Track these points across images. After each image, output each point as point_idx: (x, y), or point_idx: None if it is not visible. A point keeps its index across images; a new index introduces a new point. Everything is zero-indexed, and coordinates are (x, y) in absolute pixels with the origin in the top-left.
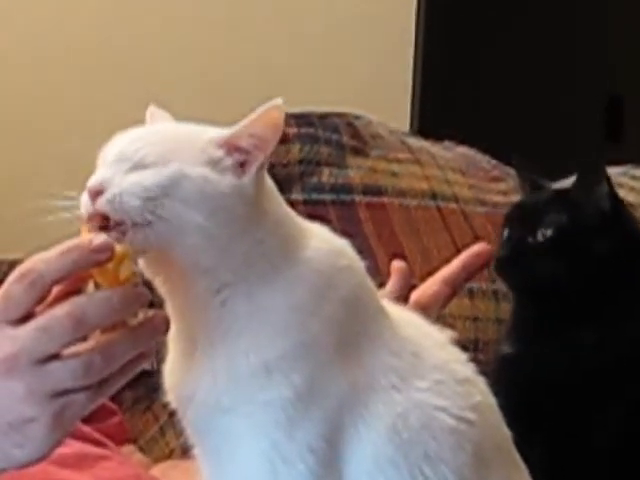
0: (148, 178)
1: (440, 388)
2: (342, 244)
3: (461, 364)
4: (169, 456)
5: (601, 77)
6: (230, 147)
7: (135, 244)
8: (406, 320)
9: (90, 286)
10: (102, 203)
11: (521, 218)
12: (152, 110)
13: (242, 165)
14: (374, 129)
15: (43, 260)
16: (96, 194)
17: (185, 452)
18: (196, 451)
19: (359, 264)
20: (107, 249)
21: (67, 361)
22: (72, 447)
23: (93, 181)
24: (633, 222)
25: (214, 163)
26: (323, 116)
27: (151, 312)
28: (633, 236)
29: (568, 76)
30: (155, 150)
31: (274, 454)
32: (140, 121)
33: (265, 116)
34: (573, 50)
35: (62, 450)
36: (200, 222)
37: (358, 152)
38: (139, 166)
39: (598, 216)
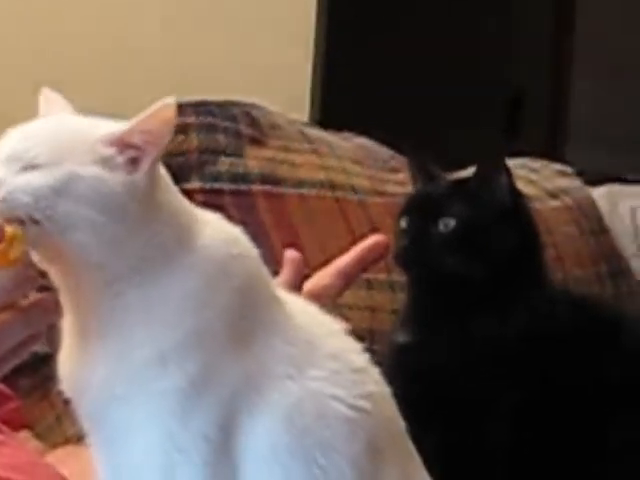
0: (38, 179)
1: (335, 377)
2: (236, 232)
3: (356, 353)
4: (65, 444)
5: (503, 70)
6: (122, 145)
7: (29, 239)
8: (301, 309)
9: None
10: None
11: (421, 208)
12: (46, 93)
13: (134, 161)
14: (273, 119)
15: None
16: None
17: (81, 440)
18: (90, 441)
19: (253, 252)
20: None
21: None
22: None
23: None
24: (531, 215)
25: (105, 161)
26: (221, 105)
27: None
28: (531, 229)
29: (470, 68)
30: (46, 150)
31: (169, 444)
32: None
33: (157, 113)
34: (476, 42)
35: None
36: (92, 221)
37: (256, 142)
38: (30, 167)
39: (499, 208)
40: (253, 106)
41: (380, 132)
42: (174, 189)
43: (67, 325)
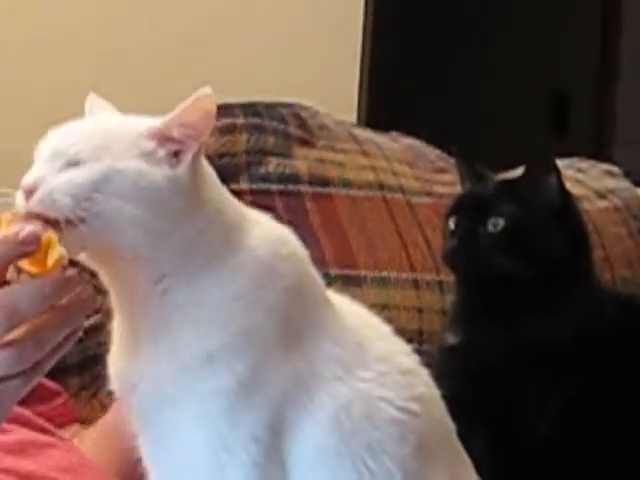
0: (80, 175)
1: (384, 379)
2: (285, 232)
3: (405, 355)
4: None
5: (550, 70)
6: (162, 138)
7: (70, 241)
8: (350, 311)
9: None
10: (34, 202)
11: (469, 208)
12: (92, 99)
13: (176, 155)
14: (321, 120)
15: None
16: (30, 193)
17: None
18: (140, 440)
19: (303, 253)
20: (34, 240)
21: (2, 351)
22: (16, 434)
23: (26, 179)
24: (581, 215)
25: (147, 155)
26: (270, 106)
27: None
28: (580, 230)
29: (518, 69)
30: (88, 146)
31: (218, 444)
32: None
33: (195, 104)
34: (523, 42)
35: (7, 437)
36: (135, 216)
37: (305, 143)
38: (72, 163)
39: (548, 208)
40: (301, 107)
41: (427, 133)
42: (220, 187)
43: (117, 325)
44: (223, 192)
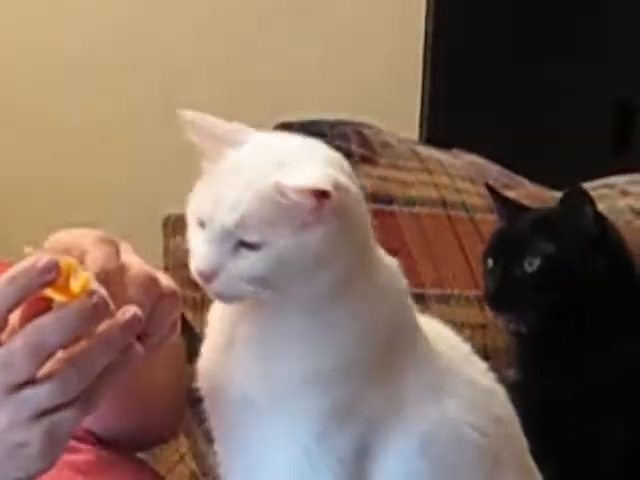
0: (256, 262)
1: (469, 403)
2: (397, 265)
3: (483, 375)
4: (180, 461)
5: (610, 83)
6: (309, 201)
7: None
8: (436, 333)
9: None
10: (217, 287)
11: (505, 248)
12: (191, 117)
13: (319, 214)
14: (383, 137)
15: None
16: (209, 278)
17: (205, 474)
18: (216, 446)
19: (406, 285)
20: (53, 267)
21: (41, 385)
22: (86, 453)
23: (203, 265)
24: (620, 243)
25: (303, 225)
26: (333, 124)
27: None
28: (621, 258)
29: (577, 82)
30: (256, 225)
31: (305, 461)
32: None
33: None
34: (583, 54)
35: (77, 456)
36: (298, 281)
37: (367, 160)
38: (243, 244)
39: (586, 242)
40: (364, 125)
41: (489, 149)
42: (366, 217)
43: (217, 322)
44: (363, 226)
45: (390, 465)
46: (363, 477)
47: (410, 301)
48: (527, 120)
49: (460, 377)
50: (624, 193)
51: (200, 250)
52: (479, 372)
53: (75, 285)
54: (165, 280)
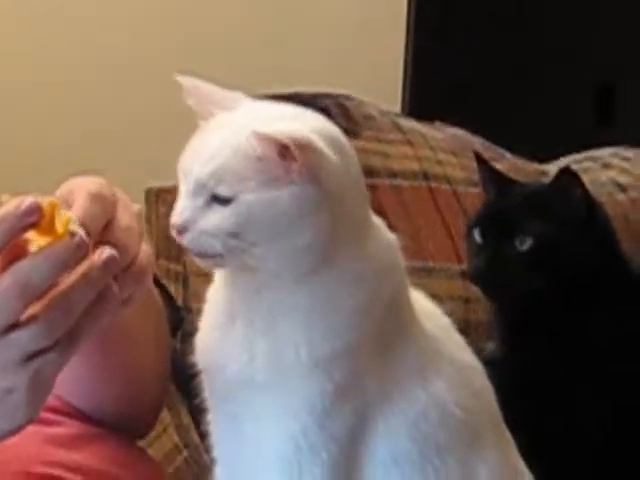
0: (225, 217)
1: (453, 382)
2: (394, 241)
3: (463, 350)
4: (163, 433)
5: (593, 59)
6: (280, 157)
7: (208, 265)
8: (421, 308)
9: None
10: (186, 241)
11: (495, 223)
12: (186, 82)
13: (290, 174)
14: (365, 110)
15: None
16: (180, 231)
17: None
18: (210, 416)
19: (403, 263)
20: (36, 209)
21: (27, 327)
22: (67, 426)
23: (177, 219)
24: (608, 223)
25: (273, 180)
26: (314, 97)
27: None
28: (609, 239)
29: (560, 59)
30: (226, 179)
31: (302, 439)
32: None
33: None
34: (566, 34)
35: (57, 430)
36: (271, 241)
37: (349, 133)
38: (215, 199)
39: (575, 223)
40: (345, 97)
41: (471, 123)
42: (354, 192)
43: (215, 300)
44: (355, 198)
45: (380, 447)
46: (355, 458)
47: (406, 280)
48: (511, 93)
49: (444, 356)
50: (607, 166)
51: (178, 204)
52: (459, 348)
53: (59, 225)
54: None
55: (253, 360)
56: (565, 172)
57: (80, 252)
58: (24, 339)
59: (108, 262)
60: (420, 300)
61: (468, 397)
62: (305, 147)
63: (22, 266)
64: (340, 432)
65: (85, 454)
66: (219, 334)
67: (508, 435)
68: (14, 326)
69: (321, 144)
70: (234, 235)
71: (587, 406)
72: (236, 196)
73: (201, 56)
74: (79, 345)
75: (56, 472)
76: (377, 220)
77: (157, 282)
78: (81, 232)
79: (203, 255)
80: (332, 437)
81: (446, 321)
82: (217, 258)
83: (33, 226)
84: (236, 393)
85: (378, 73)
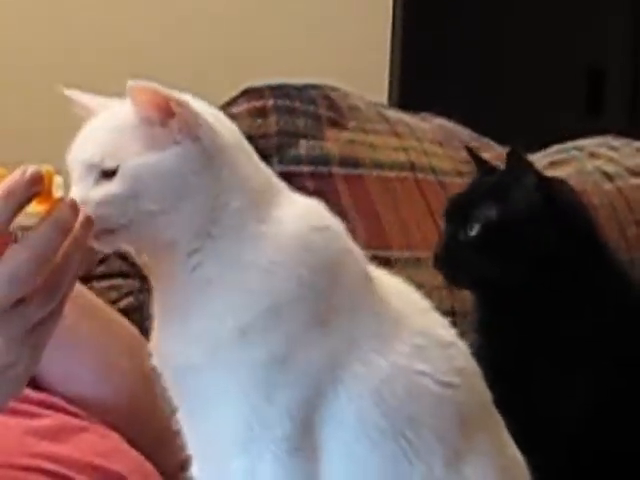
0: (113, 188)
1: (423, 353)
2: (318, 206)
3: (444, 329)
4: None
5: (582, 48)
6: (150, 123)
7: (108, 244)
8: (389, 285)
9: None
10: (84, 216)
11: (454, 211)
12: (72, 95)
13: (170, 133)
14: (351, 101)
15: None
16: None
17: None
18: (179, 415)
19: (338, 225)
20: (40, 177)
21: (33, 298)
22: (51, 419)
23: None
24: (572, 211)
25: (153, 143)
26: (300, 88)
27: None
28: (578, 226)
29: (549, 48)
30: (107, 152)
31: (252, 417)
32: None
33: (137, 95)
34: (555, 21)
35: (41, 422)
36: (165, 205)
37: (335, 124)
38: (102, 175)
39: (528, 209)
40: (332, 88)
41: (459, 113)
42: (249, 160)
43: (155, 303)
44: (249, 164)
45: (342, 417)
46: (313, 430)
47: (350, 244)
48: (499, 83)
49: (411, 328)
50: (593, 155)
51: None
52: (436, 324)
53: (55, 191)
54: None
55: (191, 347)
56: (512, 156)
57: (76, 214)
58: (29, 312)
59: (88, 221)
60: (392, 280)
61: (446, 372)
62: (182, 104)
63: (35, 239)
64: (292, 404)
65: (68, 446)
66: (157, 333)
67: (498, 418)
68: (22, 299)
69: (195, 104)
70: (128, 200)
71: (564, 398)
72: (120, 165)
73: (186, 46)
74: (63, 310)
75: (40, 464)
76: (295, 194)
77: None
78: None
79: (107, 231)
80: (285, 411)
81: (422, 300)
82: (122, 232)
83: (38, 194)
84: (184, 385)
85: (364, 64)
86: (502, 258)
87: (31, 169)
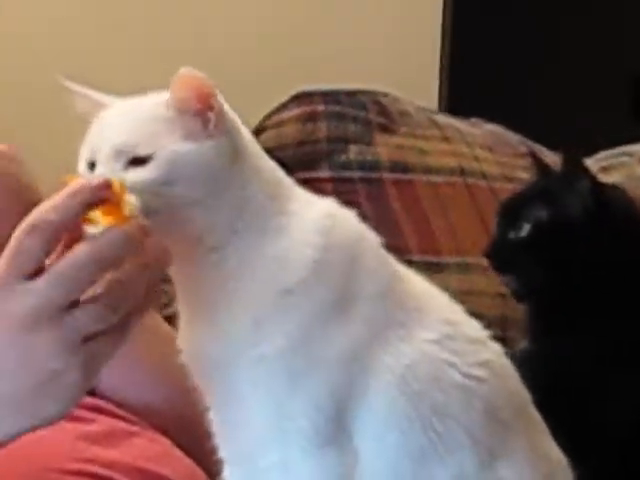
0: (146, 175)
1: (448, 342)
2: (332, 203)
3: (472, 326)
4: None
5: (629, 55)
6: (187, 114)
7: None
8: (415, 280)
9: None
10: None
11: (507, 211)
12: (72, 87)
13: (206, 127)
14: (402, 106)
15: (50, 208)
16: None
17: None
18: (210, 414)
19: (351, 216)
20: (107, 184)
21: (90, 305)
22: (101, 423)
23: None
24: (624, 217)
25: (189, 134)
26: (350, 93)
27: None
28: (621, 229)
29: (594, 54)
30: (142, 139)
31: (278, 410)
32: None
33: (183, 83)
34: (601, 27)
35: (92, 427)
36: (196, 196)
37: (385, 129)
38: (133, 160)
39: (580, 212)
40: (382, 94)
41: (508, 118)
42: (264, 155)
43: (180, 300)
44: (264, 157)
45: (371, 406)
46: (343, 421)
47: (366, 235)
48: (547, 88)
49: (437, 316)
50: None
51: (91, 175)
52: (466, 322)
53: (126, 209)
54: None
55: (210, 341)
56: (568, 159)
57: (145, 235)
58: (84, 318)
59: (165, 254)
60: (417, 277)
61: (472, 366)
62: (219, 99)
63: (97, 241)
64: (318, 395)
65: (120, 451)
66: (189, 326)
67: (539, 421)
68: (76, 303)
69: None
70: (162, 187)
71: (615, 402)
72: (155, 153)
73: (235, 51)
74: (129, 335)
75: (91, 469)
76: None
77: None
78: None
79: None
80: (310, 402)
81: (451, 303)
82: (151, 219)
83: (102, 202)
84: (213, 378)
85: (415, 69)
86: (552, 260)
87: (100, 177)
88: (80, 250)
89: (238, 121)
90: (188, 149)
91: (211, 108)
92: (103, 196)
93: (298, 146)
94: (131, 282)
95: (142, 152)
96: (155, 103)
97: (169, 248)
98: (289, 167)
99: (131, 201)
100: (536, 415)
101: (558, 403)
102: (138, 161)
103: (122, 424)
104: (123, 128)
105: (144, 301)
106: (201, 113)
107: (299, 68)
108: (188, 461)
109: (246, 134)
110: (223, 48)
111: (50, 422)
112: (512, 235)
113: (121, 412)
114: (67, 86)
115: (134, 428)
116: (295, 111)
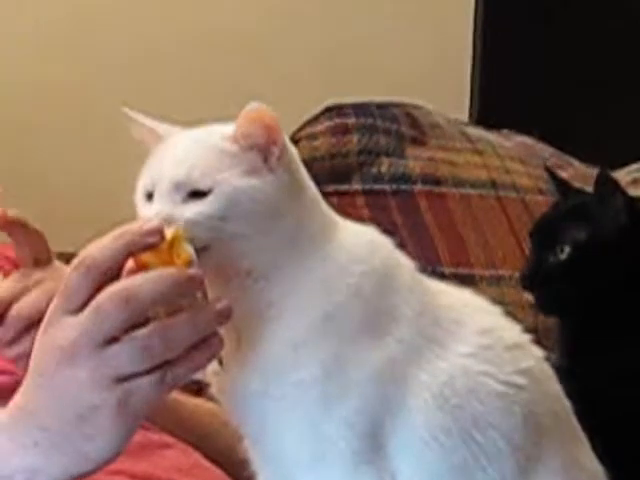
0: (206, 209)
1: (485, 353)
2: (367, 227)
3: (510, 331)
4: None
5: None
6: (250, 149)
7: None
8: (450, 292)
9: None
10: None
11: (542, 232)
12: (132, 115)
13: (267, 160)
14: (433, 119)
15: (97, 247)
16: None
17: None
18: (246, 442)
19: (383, 239)
20: (157, 232)
21: (126, 344)
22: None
23: (153, 216)
24: None
25: (251, 169)
26: (382, 106)
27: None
28: None
29: (631, 65)
30: (203, 173)
31: (314, 434)
32: None
33: (252, 117)
34: (628, 41)
35: None
36: (256, 230)
37: (417, 142)
38: (194, 193)
39: (616, 230)
40: (413, 106)
41: (540, 130)
42: (313, 185)
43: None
44: (314, 187)
45: (409, 424)
46: (380, 441)
47: (397, 255)
48: (579, 100)
49: (473, 328)
50: None
51: (148, 210)
52: (503, 328)
53: (177, 257)
54: None
55: (245, 370)
56: (601, 178)
57: (193, 286)
58: (121, 356)
59: (222, 311)
60: (454, 289)
61: (511, 373)
62: (281, 132)
63: (134, 279)
64: (352, 416)
65: (150, 462)
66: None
67: (579, 431)
68: (115, 340)
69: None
70: (217, 222)
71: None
72: (215, 187)
73: (267, 64)
74: (173, 385)
75: None
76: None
77: None
78: (199, 270)
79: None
80: (344, 423)
81: (487, 304)
82: (202, 253)
83: (150, 248)
84: (245, 409)
85: (446, 82)
86: (592, 280)
87: (152, 222)
88: (114, 286)
89: (296, 154)
90: (249, 184)
91: (275, 143)
92: (151, 242)
93: (330, 159)
94: (173, 330)
95: (202, 186)
96: (218, 137)
97: (214, 276)
98: (321, 180)
99: (187, 250)
100: (575, 423)
101: (592, 419)
102: (197, 194)
103: (153, 435)
104: (185, 161)
105: (188, 356)
106: (265, 148)
107: (331, 80)
108: (219, 473)
109: (302, 166)
110: (255, 62)
111: (98, 464)
112: (552, 259)
113: (150, 424)
114: (125, 113)
115: (165, 439)
116: (326, 124)
